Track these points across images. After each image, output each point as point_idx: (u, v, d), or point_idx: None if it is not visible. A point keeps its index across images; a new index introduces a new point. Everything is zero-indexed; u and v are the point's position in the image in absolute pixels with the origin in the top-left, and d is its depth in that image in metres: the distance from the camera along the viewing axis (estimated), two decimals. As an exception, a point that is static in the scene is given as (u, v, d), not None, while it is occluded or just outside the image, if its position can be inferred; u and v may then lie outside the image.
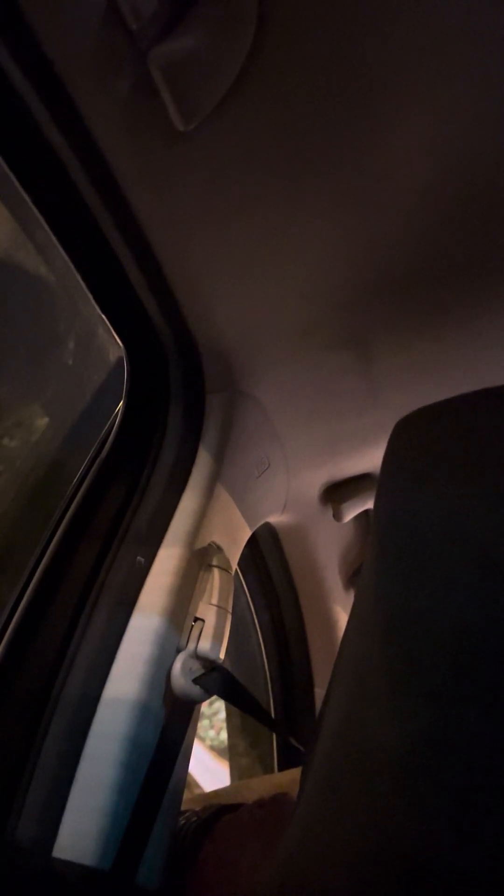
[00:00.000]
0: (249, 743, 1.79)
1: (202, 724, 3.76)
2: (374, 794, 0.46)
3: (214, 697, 0.78)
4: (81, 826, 0.63)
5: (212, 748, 3.50)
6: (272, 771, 1.44)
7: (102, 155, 0.65)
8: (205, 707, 3.67)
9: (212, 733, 3.65)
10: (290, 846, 0.52)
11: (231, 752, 1.89)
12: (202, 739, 3.63)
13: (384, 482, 0.64)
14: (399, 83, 0.65)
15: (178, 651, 0.76)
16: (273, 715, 1.43)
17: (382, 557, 0.59)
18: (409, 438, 0.65)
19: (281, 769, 1.43)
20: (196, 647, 0.76)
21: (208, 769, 3.19)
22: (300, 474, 1.13)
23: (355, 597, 0.62)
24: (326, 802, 0.51)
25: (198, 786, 2.76)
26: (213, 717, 3.67)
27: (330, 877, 0.45)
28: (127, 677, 0.71)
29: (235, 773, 1.85)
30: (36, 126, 0.62)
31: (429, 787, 0.44)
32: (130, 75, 0.59)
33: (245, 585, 1.36)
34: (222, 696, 0.79)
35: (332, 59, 0.63)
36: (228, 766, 1.90)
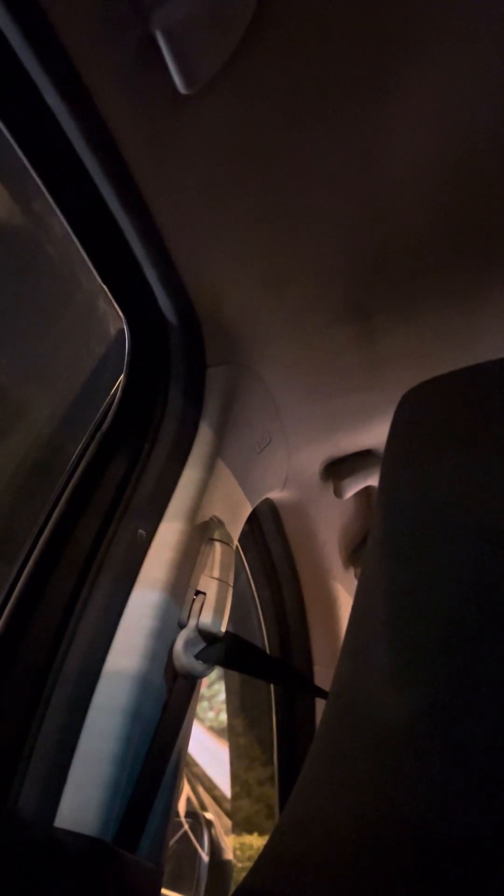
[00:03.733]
0: (248, 723, 1.80)
1: (201, 706, 3.79)
2: (377, 766, 0.47)
3: (215, 678, 0.78)
4: (83, 798, 0.63)
5: (211, 729, 3.53)
6: (271, 751, 1.45)
7: (104, 120, 0.64)
8: (204, 689, 3.70)
9: (211, 714, 3.68)
10: (292, 816, 0.52)
11: (230, 733, 1.90)
12: (201, 721, 3.66)
13: (390, 455, 0.64)
14: (405, 48, 0.64)
15: (180, 624, 0.76)
16: (273, 696, 1.44)
17: (388, 531, 0.59)
18: (415, 411, 0.65)
19: (280, 749, 1.44)
20: (198, 622, 0.76)
21: (207, 749, 3.21)
22: (301, 450, 1.13)
23: (361, 570, 0.62)
24: (329, 773, 0.51)
25: (196, 764, 2.78)
26: (213, 699, 3.69)
27: (332, 846, 0.45)
28: (128, 651, 0.71)
29: (234, 752, 1.87)
30: (36, 91, 0.61)
31: (432, 762, 0.44)
32: (133, 37, 0.58)
33: (245, 562, 1.36)
34: (225, 665, 0.79)
35: (338, 24, 0.62)
36: (228, 746, 1.92)
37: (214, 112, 0.65)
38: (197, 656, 0.75)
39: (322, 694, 0.75)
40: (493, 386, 0.62)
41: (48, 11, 0.55)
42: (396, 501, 0.60)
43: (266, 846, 0.51)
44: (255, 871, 0.50)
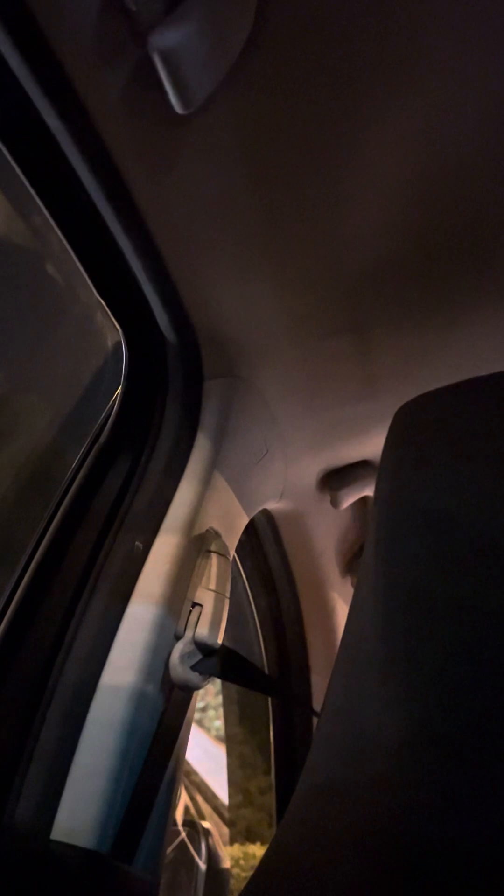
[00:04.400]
0: (249, 732, 1.80)
1: (208, 715, 3.77)
2: (374, 779, 0.47)
3: (220, 689, 0.78)
4: (79, 811, 0.63)
5: (217, 738, 3.51)
6: (269, 759, 1.45)
7: (101, 139, 0.64)
8: (211, 698, 3.69)
9: (218, 723, 3.66)
10: (289, 828, 0.52)
11: (230, 742, 1.90)
12: (207, 730, 3.65)
13: (386, 466, 0.64)
14: (399, 66, 0.65)
15: (177, 637, 0.76)
16: (269, 704, 1.44)
17: (383, 542, 0.59)
18: (411, 423, 0.65)
19: (277, 758, 1.43)
20: (194, 634, 0.76)
21: (213, 757, 3.20)
22: (298, 461, 1.13)
23: (357, 580, 0.62)
24: (325, 785, 0.51)
25: (195, 773, 2.77)
26: (220, 708, 3.67)
27: (330, 858, 0.46)
28: (124, 665, 0.71)
29: (235, 761, 1.86)
30: (34, 110, 0.61)
31: (426, 778, 0.44)
32: (130, 58, 0.59)
33: (243, 572, 1.36)
34: (221, 677, 0.79)
35: (333, 43, 0.62)
36: (227, 755, 1.91)
37: (211, 130, 0.66)
38: (193, 668, 0.75)
39: (314, 712, 0.75)
40: (489, 399, 0.62)
41: (46, 32, 0.56)
42: (392, 512, 0.60)
43: (263, 858, 0.51)
44: (252, 883, 0.51)
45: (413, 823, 0.43)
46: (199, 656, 0.76)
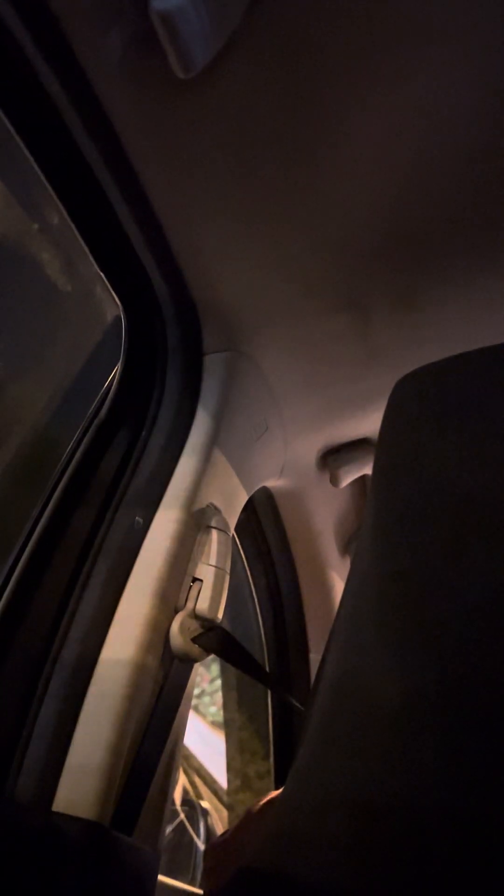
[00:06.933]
0: (248, 717, 1.81)
1: (203, 701, 3.79)
2: (372, 748, 0.47)
3: (217, 674, 0.78)
4: (80, 783, 0.64)
5: (213, 724, 3.53)
6: (269, 743, 1.45)
7: (102, 106, 0.64)
8: (206, 684, 3.70)
9: (213, 709, 3.68)
10: (289, 795, 0.52)
11: (229, 727, 1.91)
12: (203, 715, 3.67)
13: (384, 440, 0.64)
14: (404, 35, 0.64)
15: (177, 611, 0.76)
16: (268, 689, 1.44)
17: (381, 514, 0.58)
18: (408, 396, 0.65)
19: (276, 737, 1.44)
20: (194, 607, 0.76)
21: (209, 743, 3.22)
22: (298, 438, 1.13)
23: (355, 551, 0.62)
24: (325, 753, 0.51)
25: (193, 757, 2.79)
26: (215, 694, 3.69)
27: (328, 829, 0.46)
28: (125, 637, 0.71)
29: (234, 746, 1.87)
30: (34, 76, 0.61)
31: (426, 744, 0.44)
32: (130, 22, 0.58)
33: (242, 550, 1.36)
34: (220, 654, 0.79)
35: (337, 9, 0.62)
36: (226, 740, 1.92)
37: (213, 97, 0.65)
38: (193, 640, 0.75)
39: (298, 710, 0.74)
40: (485, 371, 0.62)
41: None
42: (389, 487, 0.60)
43: (265, 828, 0.51)
44: (253, 851, 0.51)
45: (413, 791, 0.43)
46: (200, 630, 0.76)
